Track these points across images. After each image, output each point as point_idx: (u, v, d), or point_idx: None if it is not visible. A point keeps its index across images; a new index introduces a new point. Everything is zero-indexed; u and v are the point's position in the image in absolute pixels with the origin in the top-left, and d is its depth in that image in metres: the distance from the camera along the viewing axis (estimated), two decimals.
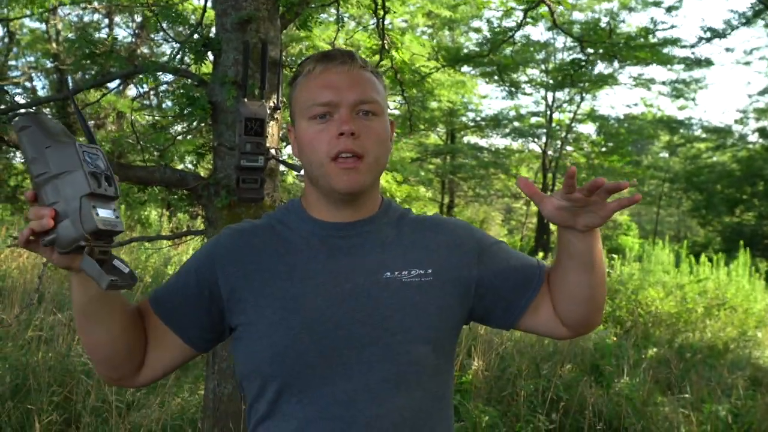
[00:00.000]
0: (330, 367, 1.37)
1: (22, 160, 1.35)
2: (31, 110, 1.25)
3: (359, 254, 1.45)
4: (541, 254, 17.75)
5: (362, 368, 1.38)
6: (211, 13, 4.02)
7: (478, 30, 19.19)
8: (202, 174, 3.58)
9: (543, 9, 5.40)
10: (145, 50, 14.91)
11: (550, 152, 22.56)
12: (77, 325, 1.39)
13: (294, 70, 4.32)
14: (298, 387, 1.38)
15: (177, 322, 1.46)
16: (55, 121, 1.28)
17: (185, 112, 3.32)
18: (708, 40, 7.07)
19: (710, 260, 12.12)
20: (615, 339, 7.47)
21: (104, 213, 1.23)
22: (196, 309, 1.45)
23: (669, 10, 17.13)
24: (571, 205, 1.35)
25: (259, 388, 1.43)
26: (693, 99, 22.85)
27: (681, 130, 24.53)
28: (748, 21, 7.16)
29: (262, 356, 1.39)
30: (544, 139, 22.42)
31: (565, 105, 22.53)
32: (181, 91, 3.33)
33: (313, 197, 1.49)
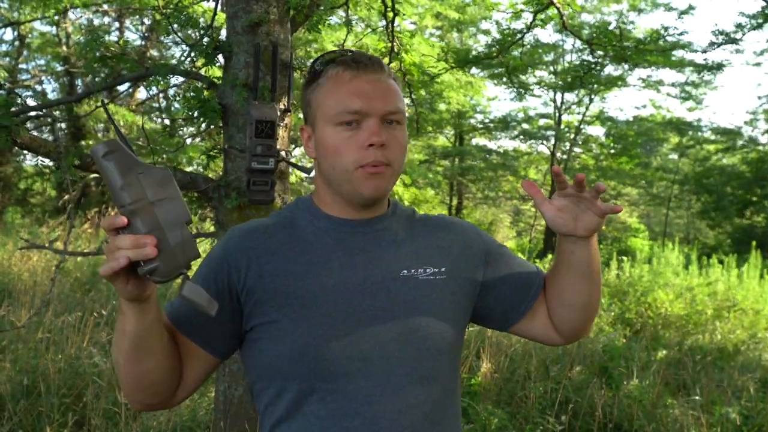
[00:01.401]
0: (351, 364, 1.37)
1: (109, 187, 1.24)
2: (111, 139, 1.15)
3: (375, 252, 1.46)
4: (550, 256, 17.71)
5: (383, 364, 1.39)
6: (221, 16, 4.04)
7: (486, 32, 19.19)
8: (212, 176, 3.59)
9: (552, 11, 5.38)
10: (155, 53, 14.96)
11: (558, 154, 22.51)
12: (125, 357, 1.33)
13: (304, 70, 4.33)
14: (319, 385, 1.38)
15: (204, 338, 1.44)
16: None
17: (196, 114, 3.34)
18: (720, 44, 7.03)
19: (721, 262, 12.08)
20: (624, 341, 7.44)
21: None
22: (219, 320, 1.42)
23: (681, 14, 17.05)
24: (569, 203, 1.46)
25: (277, 389, 1.42)
26: (701, 102, 22.73)
27: (690, 132, 24.43)
28: (759, 25, 7.13)
29: (282, 355, 1.39)
30: (552, 140, 22.35)
31: (573, 107, 22.47)
32: (192, 93, 3.34)
33: (329, 197, 1.49)
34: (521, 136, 23.13)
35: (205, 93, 3.33)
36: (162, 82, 3.68)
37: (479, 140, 24.67)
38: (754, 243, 13.16)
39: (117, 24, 16.01)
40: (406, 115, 1.52)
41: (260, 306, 1.41)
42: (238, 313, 1.44)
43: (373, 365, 1.38)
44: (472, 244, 1.58)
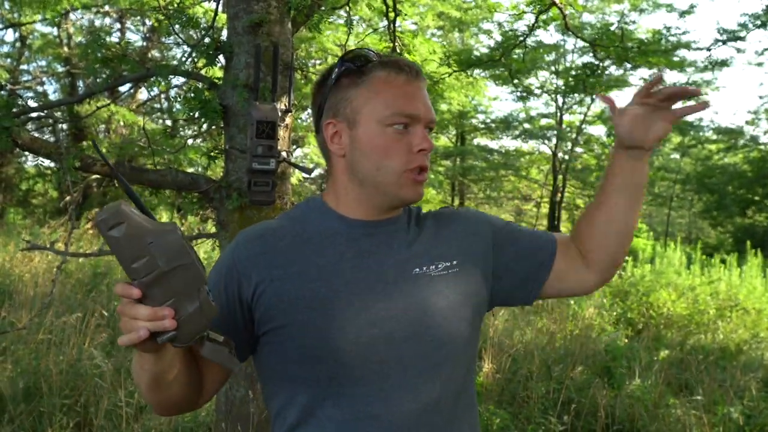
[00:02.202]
0: (366, 366, 1.36)
1: (119, 260, 1.19)
2: (113, 204, 1.07)
3: (386, 252, 1.45)
4: None
5: (398, 365, 1.38)
6: (222, 17, 4.03)
7: (488, 32, 19.18)
8: (213, 177, 3.59)
9: (554, 11, 5.38)
10: (156, 54, 14.96)
11: (560, 154, 22.51)
12: (146, 388, 1.33)
13: (305, 71, 4.33)
14: (332, 389, 1.37)
15: None
16: (133, 207, 1.15)
17: (197, 115, 3.33)
18: (725, 41, 7.04)
19: (723, 262, 12.06)
20: (626, 341, 7.45)
21: (209, 295, 1.18)
22: (234, 327, 1.43)
23: (682, 15, 17.06)
24: (644, 111, 1.51)
25: (289, 393, 1.42)
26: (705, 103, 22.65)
27: (692, 132, 24.44)
28: (763, 24, 7.13)
29: (292, 360, 1.39)
30: (554, 140, 22.37)
31: (575, 107, 22.48)
32: (193, 94, 3.33)
33: (352, 195, 1.48)
34: (523, 136, 23.15)
35: (206, 93, 3.33)
36: (163, 83, 3.68)
37: (481, 140, 24.70)
38: (748, 243, 13.14)
39: (118, 25, 16.03)
40: None
41: (270, 311, 1.40)
42: (250, 321, 1.43)
43: (388, 366, 1.37)
44: (479, 230, 1.58)
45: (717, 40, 7.04)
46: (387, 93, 1.42)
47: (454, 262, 1.49)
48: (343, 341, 1.36)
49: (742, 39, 7.09)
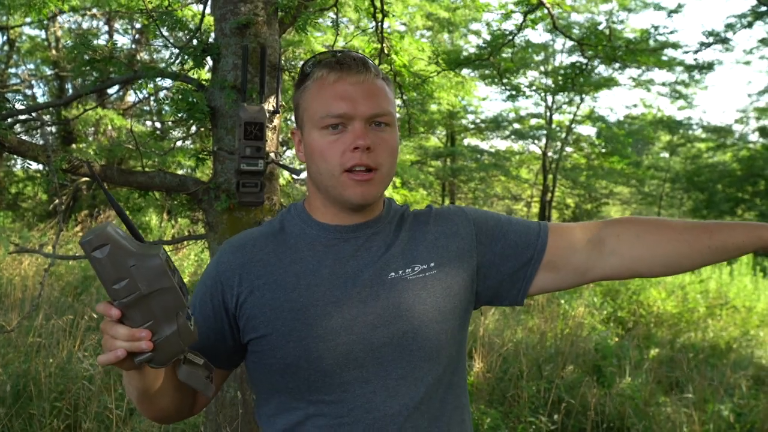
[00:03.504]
0: (346, 372, 1.37)
1: (101, 280, 1.22)
2: (100, 226, 1.11)
3: (365, 257, 1.44)
4: None
5: (378, 370, 1.38)
6: (209, 19, 4.03)
7: (477, 33, 19.20)
8: (201, 179, 3.58)
9: (542, 11, 5.40)
10: (145, 56, 14.93)
11: (550, 153, 22.56)
12: (136, 401, 1.38)
13: (293, 72, 4.33)
14: (315, 397, 1.38)
15: (210, 358, 1.44)
16: (118, 228, 1.18)
17: (184, 117, 3.33)
18: (710, 44, 7.07)
19: None
20: (617, 339, 7.47)
21: (189, 320, 1.21)
22: (221, 338, 1.45)
23: (670, 14, 17.11)
24: None
25: (276, 402, 1.44)
26: (691, 102, 22.82)
27: (681, 130, 24.53)
28: (750, 24, 7.17)
29: (275, 370, 1.40)
30: (544, 140, 22.41)
31: (564, 106, 22.53)
32: (180, 96, 3.33)
33: (319, 202, 1.48)
34: (512, 136, 23.20)
35: (194, 95, 3.32)
36: (151, 85, 3.67)
37: (471, 140, 24.71)
38: None
39: (106, 27, 15.98)
40: (397, 116, 1.50)
41: (252, 321, 1.41)
42: (236, 330, 1.45)
43: (368, 371, 1.38)
44: (459, 230, 1.54)
45: (703, 44, 7.06)
46: (319, 94, 1.42)
47: (431, 264, 1.47)
48: (322, 349, 1.37)
49: (728, 41, 7.12)
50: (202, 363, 1.30)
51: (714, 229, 1.49)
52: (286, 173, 5.08)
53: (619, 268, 1.53)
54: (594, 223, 1.58)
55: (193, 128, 3.81)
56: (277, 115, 3.41)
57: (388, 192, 8.47)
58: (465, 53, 13.84)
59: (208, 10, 3.81)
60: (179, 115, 3.33)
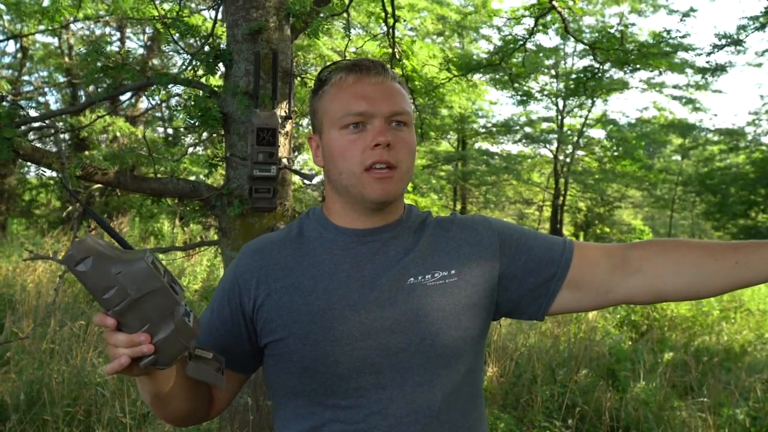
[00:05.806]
0: (363, 377, 1.37)
1: (91, 293, 1.25)
2: (79, 240, 1.13)
3: (383, 261, 1.44)
4: None
5: (395, 375, 1.38)
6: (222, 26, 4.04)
7: (488, 38, 19.22)
8: (214, 185, 3.59)
9: (553, 15, 5.39)
10: (157, 62, 14.99)
11: (561, 157, 22.52)
12: (150, 404, 1.39)
13: (305, 77, 4.34)
14: (332, 401, 1.38)
15: (228, 361, 1.45)
16: (99, 239, 1.19)
17: (197, 123, 3.34)
18: (723, 47, 7.01)
19: None
20: (631, 343, 7.44)
21: (187, 316, 1.22)
22: (239, 341, 1.46)
23: (683, 17, 17.04)
24: None
25: (292, 406, 1.44)
26: (701, 107, 22.75)
27: (693, 133, 24.43)
28: (762, 26, 7.12)
29: (291, 373, 1.40)
30: (555, 144, 22.38)
31: (576, 110, 22.49)
32: (193, 102, 3.34)
33: (338, 205, 1.48)
34: (524, 140, 23.19)
35: (207, 101, 3.33)
36: (163, 92, 3.68)
37: (482, 144, 24.71)
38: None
39: (119, 34, 16.07)
40: (413, 118, 1.51)
41: (269, 324, 1.42)
42: (254, 333, 1.46)
43: (384, 377, 1.37)
44: (483, 239, 1.52)
45: (716, 46, 7.00)
46: (338, 96, 1.43)
47: (452, 272, 1.45)
48: (339, 353, 1.36)
49: (741, 43, 7.06)
50: (211, 356, 1.31)
51: (740, 246, 1.45)
52: (297, 178, 5.08)
53: (643, 286, 1.49)
54: (619, 244, 1.56)
55: (205, 134, 3.82)
56: (290, 120, 3.42)
57: None
58: (476, 58, 13.85)
59: (220, 15, 3.82)
60: (191, 121, 3.34)
